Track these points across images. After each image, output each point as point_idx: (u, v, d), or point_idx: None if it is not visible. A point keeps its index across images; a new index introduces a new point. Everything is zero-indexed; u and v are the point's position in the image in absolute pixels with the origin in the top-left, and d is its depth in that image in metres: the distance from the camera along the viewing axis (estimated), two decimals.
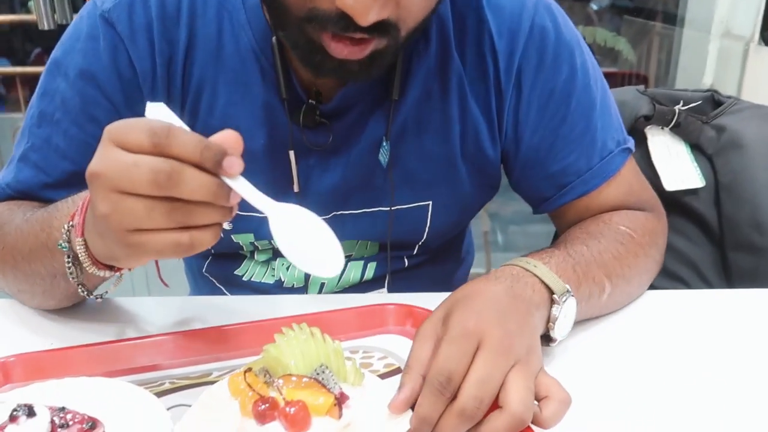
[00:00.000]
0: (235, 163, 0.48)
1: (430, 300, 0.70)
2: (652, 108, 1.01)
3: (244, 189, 0.49)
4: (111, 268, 0.60)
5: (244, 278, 0.89)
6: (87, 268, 0.59)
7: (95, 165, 0.48)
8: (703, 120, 1.01)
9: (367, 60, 0.62)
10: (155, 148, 0.46)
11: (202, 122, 0.75)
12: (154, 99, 0.69)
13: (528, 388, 0.52)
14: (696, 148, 1.02)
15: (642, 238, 0.77)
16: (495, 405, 0.52)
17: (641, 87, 1.06)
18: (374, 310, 0.71)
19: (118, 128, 0.48)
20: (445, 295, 0.77)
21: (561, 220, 0.84)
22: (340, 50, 0.61)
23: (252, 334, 0.67)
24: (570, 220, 0.82)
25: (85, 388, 0.57)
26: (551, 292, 0.62)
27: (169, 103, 0.71)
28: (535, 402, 0.53)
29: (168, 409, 0.56)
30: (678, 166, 1.00)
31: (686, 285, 1.00)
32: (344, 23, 0.58)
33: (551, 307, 0.62)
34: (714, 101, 1.05)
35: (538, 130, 0.77)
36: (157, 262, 0.65)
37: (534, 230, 2.50)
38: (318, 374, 0.52)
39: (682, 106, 1.01)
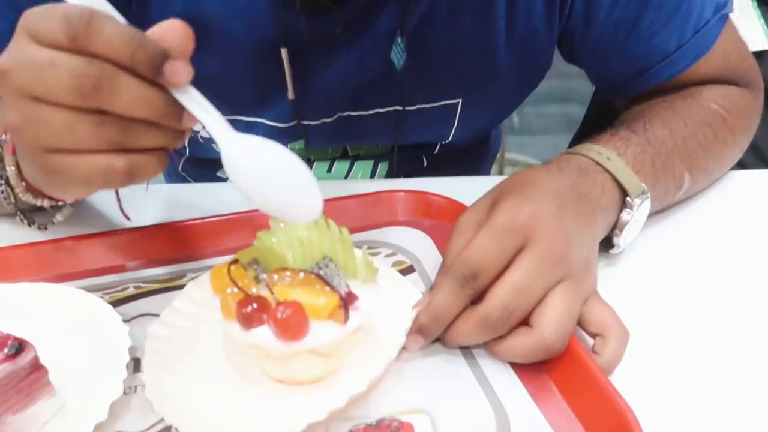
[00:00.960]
0: (179, 70, 0.37)
1: (450, 186, 0.63)
2: None
3: (196, 106, 0.38)
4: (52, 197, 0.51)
5: (230, 182, 0.77)
6: (20, 195, 0.51)
7: (4, 61, 0.38)
8: None
9: None
10: (74, 43, 0.35)
11: (157, 13, 0.58)
12: None
13: (570, 312, 0.43)
14: (763, 4, 0.88)
15: (734, 120, 0.65)
16: (525, 321, 0.44)
17: None
18: (381, 198, 0.62)
19: (34, 15, 0.37)
20: (469, 179, 0.69)
21: (632, 100, 0.70)
22: None
23: (235, 227, 0.57)
24: (644, 101, 0.68)
25: (21, 297, 0.48)
26: (624, 193, 0.53)
27: None
28: (580, 329, 0.45)
29: (130, 319, 0.48)
30: (742, 25, 0.84)
31: (741, 167, 0.87)
32: None
33: (621, 210, 0.53)
34: None
35: (619, 2, 0.62)
36: (117, 190, 0.55)
37: (550, 111, 2.35)
38: (320, 268, 0.43)
39: None
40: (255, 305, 0.40)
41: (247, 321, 0.40)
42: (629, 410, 0.38)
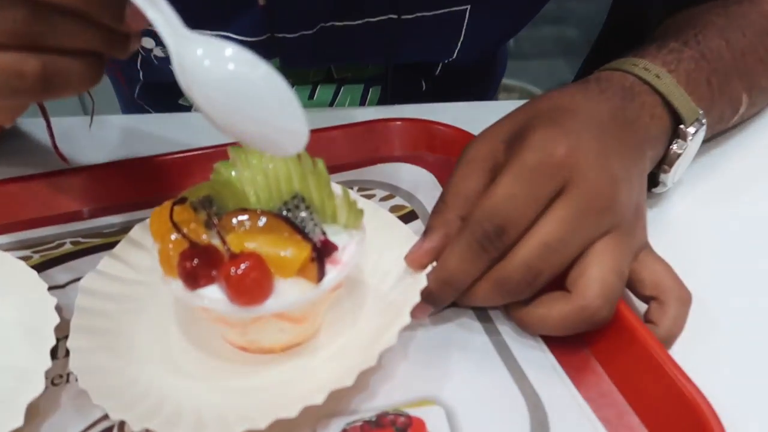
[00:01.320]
0: None
1: (456, 113, 0.56)
2: None
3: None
4: None
5: (194, 109, 0.68)
6: None
7: None
8: None
9: None
10: None
11: None
12: None
13: (618, 271, 0.36)
14: None
15: None
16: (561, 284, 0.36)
17: None
18: (373, 128, 0.55)
19: None
20: (479, 105, 0.61)
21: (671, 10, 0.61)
22: None
23: (200, 164, 0.49)
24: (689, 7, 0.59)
25: None
26: (676, 120, 0.44)
27: None
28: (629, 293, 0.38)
29: (65, 284, 0.41)
30: None
31: None
32: None
33: (671, 141, 0.45)
34: None
35: None
36: (48, 123, 0.47)
37: (543, 34, 2.30)
38: (289, 210, 0.35)
39: None
40: (202, 258, 0.32)
41: (192, 279, 0.32)
42: (699, 394, 0.30)
